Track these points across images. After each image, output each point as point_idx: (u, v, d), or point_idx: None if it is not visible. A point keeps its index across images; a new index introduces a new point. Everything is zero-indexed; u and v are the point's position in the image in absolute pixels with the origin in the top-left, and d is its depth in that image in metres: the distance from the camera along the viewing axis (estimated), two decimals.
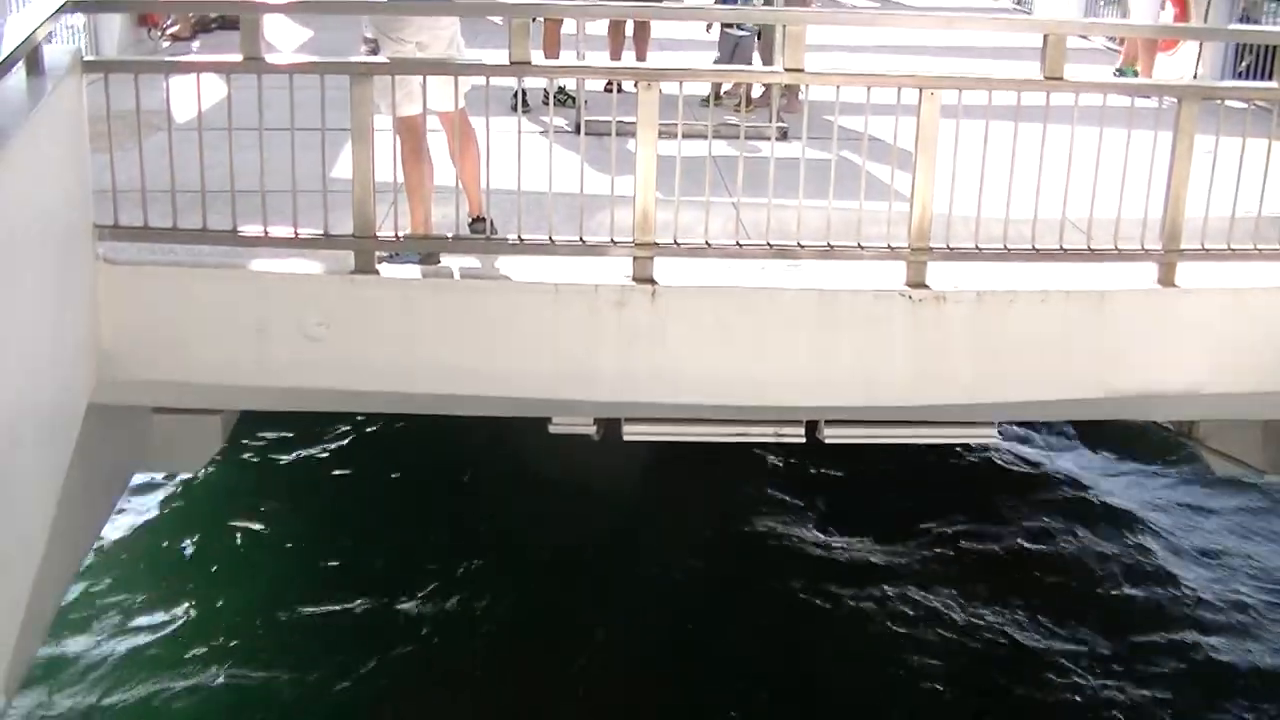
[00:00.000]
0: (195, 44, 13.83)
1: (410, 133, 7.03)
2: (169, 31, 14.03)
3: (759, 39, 11.27)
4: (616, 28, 11.63)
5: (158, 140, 6.61)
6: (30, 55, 6.02)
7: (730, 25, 11.16)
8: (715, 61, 11.27)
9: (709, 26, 12.20)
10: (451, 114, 7.12)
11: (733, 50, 11.23)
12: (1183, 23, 13.68)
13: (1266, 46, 11.69)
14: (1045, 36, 6.94)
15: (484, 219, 7.18)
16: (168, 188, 6.58)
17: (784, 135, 8.47)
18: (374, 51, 7.02)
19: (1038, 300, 7.05)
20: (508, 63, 6.75)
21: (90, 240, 6.63)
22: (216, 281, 6.83)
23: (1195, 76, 13.65)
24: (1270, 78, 7.98)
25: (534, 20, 9.12)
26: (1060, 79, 6.90)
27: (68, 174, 6.39)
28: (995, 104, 6.90)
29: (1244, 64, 13.36)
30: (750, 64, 11.28)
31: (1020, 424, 13.78)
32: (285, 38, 12.65)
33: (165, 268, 6.81)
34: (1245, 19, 14.25)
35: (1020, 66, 8.23)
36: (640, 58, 11.59)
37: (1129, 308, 7.22)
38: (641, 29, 11.57)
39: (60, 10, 6.68)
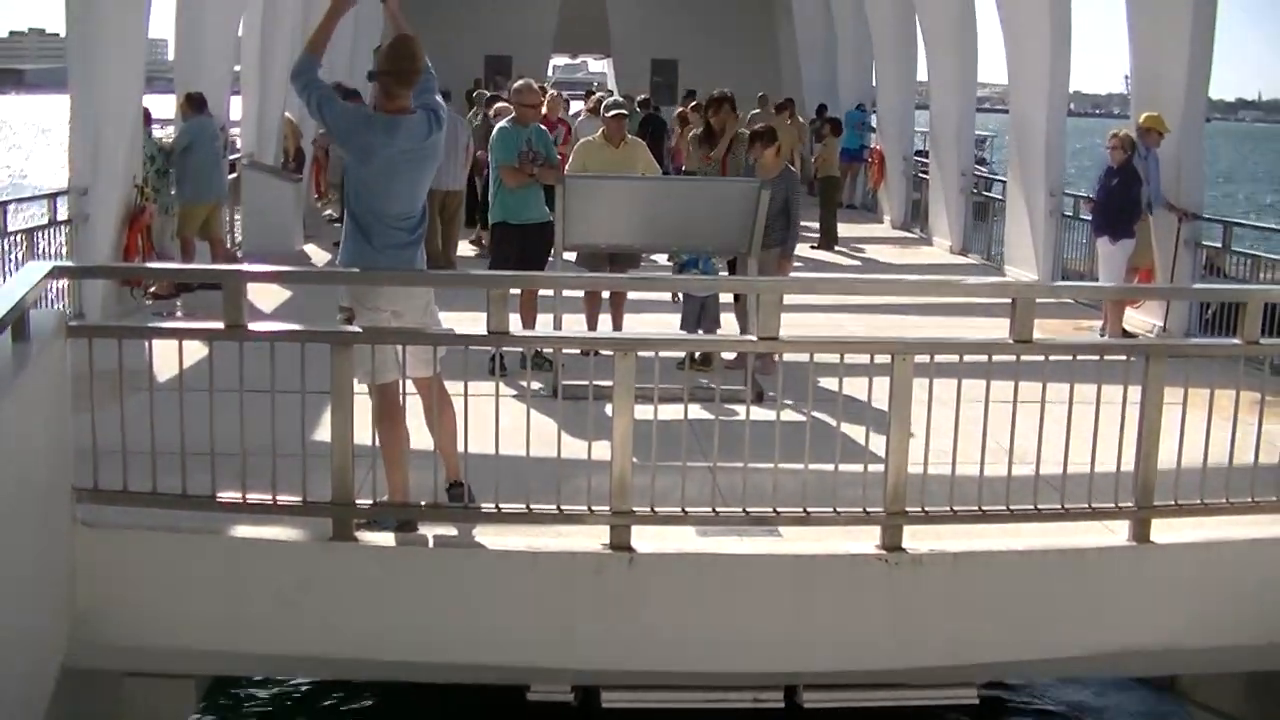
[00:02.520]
0: (177, 301, 14.04)
1: (387, 400, 7.11)
2: (151, 290, 14.24)
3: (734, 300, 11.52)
4: (593, 293, 11.90)
5: (139, 400, 6.67)
6: (16, 321, 6.12)
7: None
8: (681, 324, 11.51)
9: (674, 296, 12.45)
10: (427, 380, 7.22)
11: (699, 311, 11.45)
12: (1148, 282, 14.04)
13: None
14: (1014, 300, 7.10)
15: (461, 484, 7.22)
16: (148, 448, 6.62)
17: (760, 397, 8.58)
18: (349, 320, 7.13)
19: (1014, 560, 7.08)
20: (485, 332, 6.87)
21: (69, 503, 6.65)
22: (194, 546, 6.83)
23: (1164, 327, 13.96)
24: (1235, 327, 8.13)
25: None
26: (1030, 341, 7.04)
27: (49, 437, 6.44)
28: (968, 360, 7.04)
29: (1210, 311, 13.68)
30: (718, 321, 11.51)
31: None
32: (266, 297, 12.84)
33: (143, 532, 6.81)
34: (1210, 266, 14.62)
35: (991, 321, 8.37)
36: (616, 322, 11.86)
37: (1105, 565, 7.24)
38: (617, 294, 11.86)
39: (46, 278, 6.82)
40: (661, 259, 13.78)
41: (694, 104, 19.26)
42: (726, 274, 11.77)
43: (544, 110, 18.55)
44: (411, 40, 7.17)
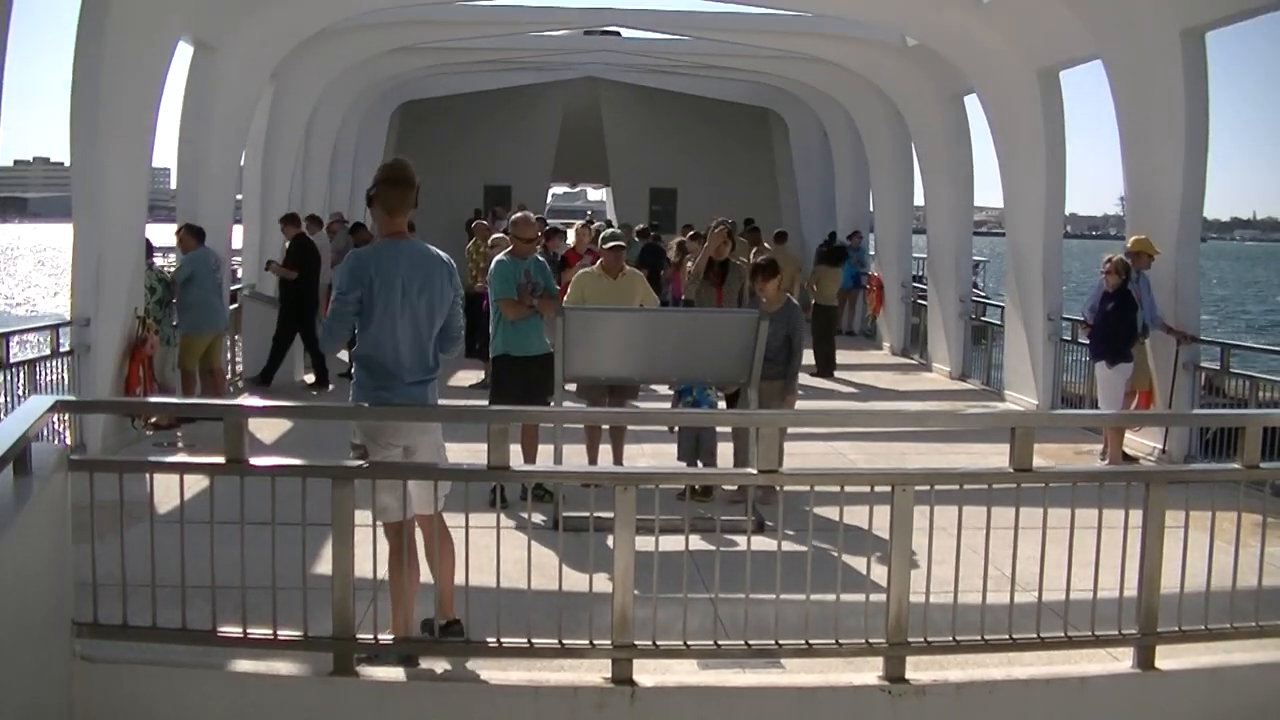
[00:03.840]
0: (178, 432, 14.07)
1: (396, 537, 7.12)
2: (152, 421, 14.28)
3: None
4: (596, 401, 11.96)
5: (139, 532, 6.67)
6: (18, 456, 6.14)
7: None
8: (678, 454, 11.55)
9: (671, 428, 12.53)
10: (429, 516, 7.23)
11: (695, 442, 11.49)
12: (1147, 404, 14.09)
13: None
14: (1013, 430, 7.12)
15: (458, 621, 7.21)
16: (148, 581, 6.60)
17: (760, 527, 8.57)
18: (362, 457, 7.15)
19: (1018, 689, 7.02)
20: (486, 467, 6.88)
21: (68, 636, 6.62)
22: (194, 681, 6.78)
23: (1164, 449, 13.97)
24: (1235, 447, 8.15)
25: None
26: (1030, 470, 7.05)
27: (50, 571, 6.43)
28: (968, 487, 7.05)
29: (1210, 432, 13.71)
30: (714, 452, 11.54)
31: None
32: (268, 426, 12.87)
33: (141, 666, 6.77)
34: (1209, 385, 14.68)
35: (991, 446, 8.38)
36: (617, 453, 11.89)
37: (1111, 692, 7.18)
38: (617, 427, 11.91)
39: (49, 412, 6.85)
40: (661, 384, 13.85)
41: (693, 234, 19.43)
42: (723, 402, 11.83)
43: (570, 241, 18.89)
44: (406, 161, 7.41)
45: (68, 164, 13.48)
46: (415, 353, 7.27)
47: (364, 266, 7.19)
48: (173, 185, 17.43)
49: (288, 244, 18.51)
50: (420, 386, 7.31)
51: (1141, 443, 14.44)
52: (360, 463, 7.03)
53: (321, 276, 22.84)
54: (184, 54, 15.96)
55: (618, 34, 28.20)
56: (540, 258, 12.14)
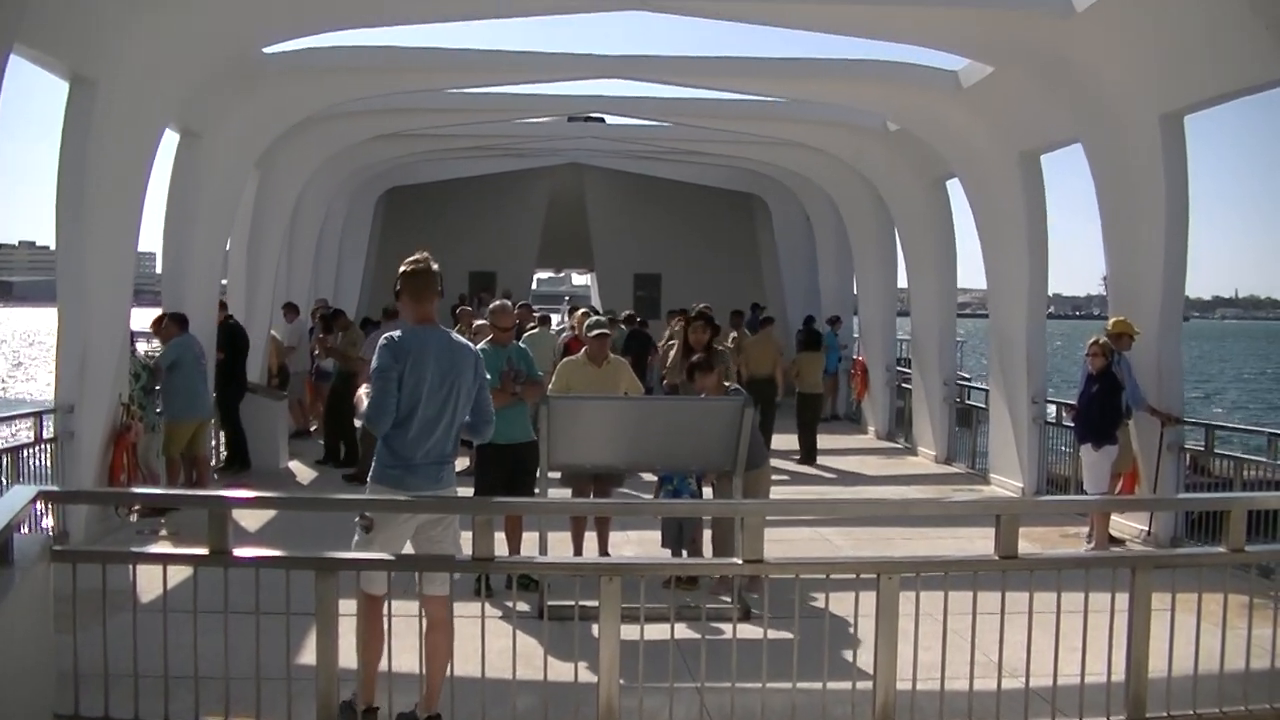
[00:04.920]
0: (162, 519, 14.00)
1: (374, 608, 7.15)
2: (135, 508, 14.20)
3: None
4: (581, 489, 11.96)
5: (122, 621, 6.64)
6: (0, 547, 6.12)
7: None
8: (662, 541, 11.54)
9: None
10: (440, 601, 7.25)
11: (678, 529, 11.47)
12: (1132, 486, 14.11)
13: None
14: (998, 517, 7.12)
15: (439, 716, 7.18)
16: (130, 671, 6.56)
17: (746, 614, 8.55)
18: (369, 528, 7.20)
19: None
20: (471, 558, 6.88)
21: None
22: None
23: (1149, 531, 13.98)
24: (1220, 529, 8.16)
25: None
26: (1015, 556, 7.05)
27: (31, 661, 6.40)
28: (953, 574, 7.04)
29: (1195, 513, 13.73)
30: (698, 538, 11.53)
31: None
32: (253, 514, 12.82)
33: None
34: (1194, 465, 14.70)
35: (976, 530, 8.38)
36: (602, 541, 11.87)
37: None
38: (603, 487, 11.91)
39: (30, 503, 6.83)
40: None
41: (681, 319, 19.55)
42: (708, 489, 11.83)
43: (574, 328, 18.89)
44: (427, 255, 7.68)
45: (53, 248, 13.49)
46: (434, 437, 7.38)
47: (402, 348, 7.35)
48: (158, 269, 17.40)
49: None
50: (436, 468, 7.42)
51: (1127, 525, 14.44)
52: (340, 554, 7.01)
53: (292, 363, 22.90)
54: (170, 140, 16.09)
55: (602, 120, 28.37)
56: (522, 345, 12.14)
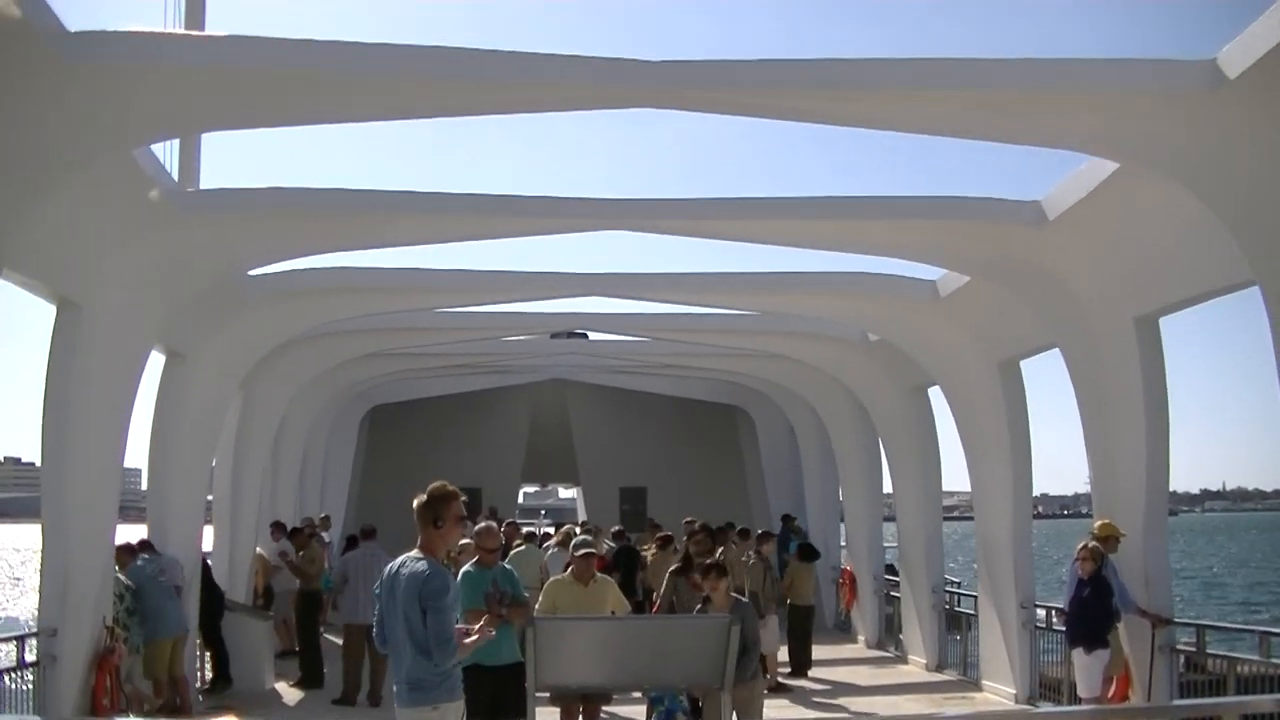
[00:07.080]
0: None
1: None
2: None
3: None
4: (569, 710, 11.92)
5: None
6: None
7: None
8: None
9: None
10: None
11: None
12: (1125, 689, 13.97)
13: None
14: None
15: None
16: None
17: None
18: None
19: None
20: None
21: None
22: None
23: None
24: None
25: None
26: None
27: None
28: None
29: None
30: None
31: None
32: None
33: None
34: (1189, 664, 14.55)
35: None
36: None
37: None
38: (591, 708, 11.81)
39: None
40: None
41: (661, 535, 19.59)
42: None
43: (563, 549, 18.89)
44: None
45: (38, 464, 13.48)
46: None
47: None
48: (144, 486, 17.41)
49: None
50: (403, 687, 7.97)
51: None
52: None
53: (276, 583, 22.63)
54: (156, 361, 16.21)
55: (584, 336, 28.66)
56: (507, 565, 12.10)
